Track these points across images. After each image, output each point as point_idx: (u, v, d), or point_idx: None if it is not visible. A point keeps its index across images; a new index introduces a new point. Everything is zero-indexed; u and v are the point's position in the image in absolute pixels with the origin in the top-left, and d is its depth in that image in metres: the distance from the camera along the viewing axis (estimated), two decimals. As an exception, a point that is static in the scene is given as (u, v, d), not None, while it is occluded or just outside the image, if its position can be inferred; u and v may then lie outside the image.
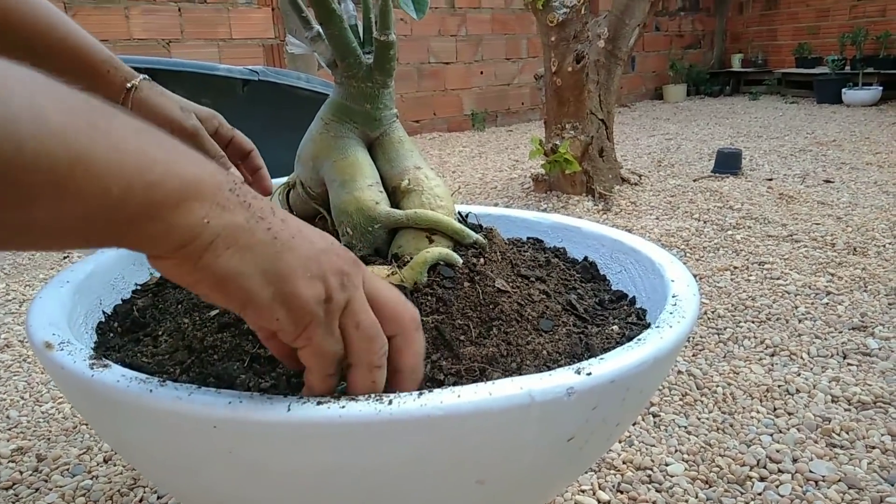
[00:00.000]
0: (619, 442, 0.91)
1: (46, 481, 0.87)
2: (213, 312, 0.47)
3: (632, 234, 1.81)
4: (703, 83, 6.12)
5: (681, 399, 1.02)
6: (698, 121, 4.47)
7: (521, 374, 0.38)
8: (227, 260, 0.29)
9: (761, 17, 6.18)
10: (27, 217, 0.25)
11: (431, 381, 0.40)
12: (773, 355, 1.15)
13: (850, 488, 0.80)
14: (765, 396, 1.02)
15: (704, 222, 1.98)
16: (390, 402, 0.32)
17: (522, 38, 4.94)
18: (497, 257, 0.50)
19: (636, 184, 2.51)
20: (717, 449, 0.89)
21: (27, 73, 0.25)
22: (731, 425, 0.94)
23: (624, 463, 0.86)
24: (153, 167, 0.27)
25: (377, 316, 0.34)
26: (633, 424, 0.95)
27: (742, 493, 0.80)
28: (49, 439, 0.96)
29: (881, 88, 4.70)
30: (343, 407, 0.32)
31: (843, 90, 4.82)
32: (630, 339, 0.41)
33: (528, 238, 0.66)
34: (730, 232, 1.87)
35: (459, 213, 0.57)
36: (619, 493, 0.81)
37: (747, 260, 1.63)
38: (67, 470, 0.89)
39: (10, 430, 0.99)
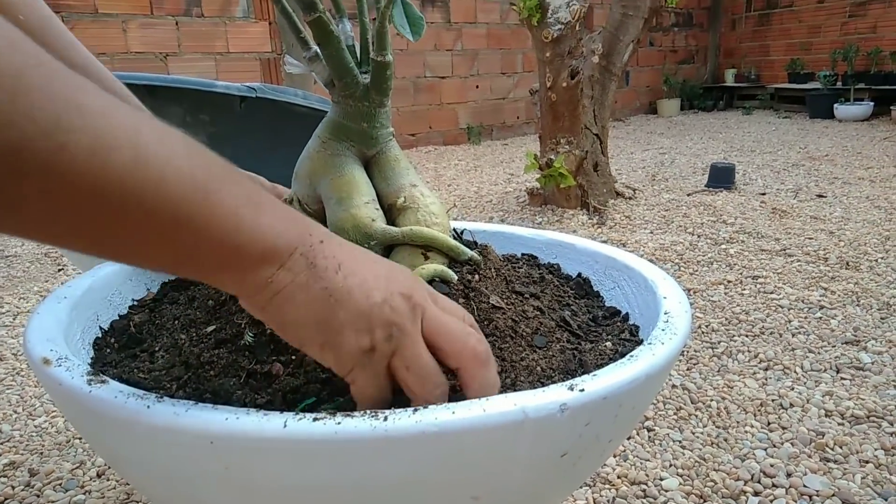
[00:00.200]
0: (614, 456, 0.91)
1: (39, 496, 0.86)
2: (210, 328, 0.47)
3: (626, 247, 1.81)
4: (697, 98, 6.17)
5: (675, 413, 1.02)
6: (692, 135, 4.51)
7: (515, 390, 0.38)
8: (286, 312, 0.34)
9: (754, 32, 6.25)
10: (119, 246, 0.30)
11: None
12: (766, 369, 1.16)
13: (844, 503, 0.80)
14: (759, 411, 1.02)
15: (698, 236, 1.99)
16: (385, 419, 0.32)
17: (518, 53, 4.99)
18: (492, 274, 0.51)
19: (630, 198, 2.53)
20: (712, 463, 0.89)
21: (166, 129, 0.30)
22: (726, 440, 0.95)
23: (619, 477, 0.87)
24: (241, 230, 0.31)
25: (441, 350, 0.37)
26: (628, 439, 0.95)
27: (736, 508, 0.81)
28: (42, 454, 0.96)
29: (872, 104, 4.75)
30: (339, 423, 0.32)
31: (835, 105, 4.87)
32: (623, 355, 0.42)
33: (523, 254, 0.67)
34: (723, 246, 1.88)
35: (454, 229, 0.58)
36: (613, 508, 0.82)
37: (741, 274, 1.64)
38: (60, 485, 0.88)
39: (2, 444, 0.99)
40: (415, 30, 0.45)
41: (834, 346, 1.23)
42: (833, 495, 0.82)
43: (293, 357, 0.42)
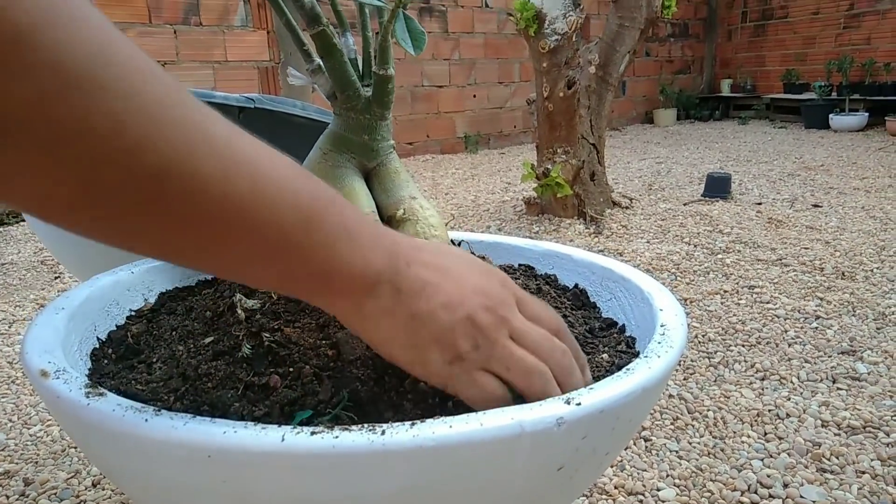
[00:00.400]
0: (611, 467, 0.91)
1: (34, 507, 0.86)
2: (208, 340, 0.47)
3: (623, 257, 1.82)
4: (693, 108, 6.21)
5: (672, 423, 1.02)
6: (688, 145, 4.53)
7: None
8: (374, 333, 0.37)
9: (750, 43, 6.30)
10: (229, 264, 0.32)
11: (439, 408, 0.40)
12: (763, 379, 1.16)
13: (839, 514, 0.80)
14: (755, 421, 1.02)
15: (695, 246, 2.00)
16: (383, 433, 0.33)
17: (515, 63, 5.01)
18: (489, 285, 0.51)
19: (627, 207, 2.53)
20: (709, 474, 0.89)
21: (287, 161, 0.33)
22: (722, 450, 0.95)
23: (616, 488, 0.87)
24: (334, 260, 0.33)
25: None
26: (625, 449, 0.95)
27: (733, 520, 0.81)
28: (37, 463, 0.95)
29: (867, 115, 4.79)
30: (336, 437, 0.33)
31: (831, 116, 4.91)
32: (620, 367, 0.42)
33: (520, 265, 0.67)
34: (720, 256, 1.89)
35: (452, 240, 0.58)
36: (610, 520, 0.81)
37: (737, 284, 1.65)
38: (55, 494, 0.88)
39: (-3, 454, 0.98)
40: (416, 44, 0.45)
41: (830, 357, 1.24)
42: (829, 506, 0.82)
43: (290, 369, 0.42)
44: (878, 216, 2.28)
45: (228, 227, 0.30)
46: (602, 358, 0.48)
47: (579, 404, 0.35)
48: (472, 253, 0.57)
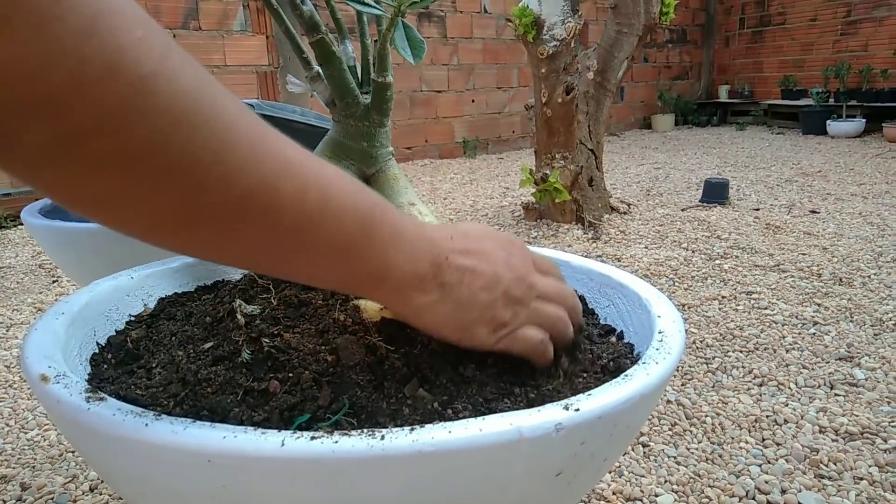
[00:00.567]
0: (609, 472, 0.91)
1: (31, 512, 0.85)
2: (207, 345, 0.47)
3: (621, 262, 1.82)
4: (691, 113, 6.23)
5: (670, 429, 1.03)
6: (686, 150, 4.55)
7: (511, 409, 0.38)
8: (424, 320, 0.41)
9: (747, 49, 6.32)
10: (297, 269, 0.36)
11: (438, 414, 0.41)
12: (761, 385, 1.16)
13: (837, 520, 0.80)
14: (753, 427, 1.03)
15: (692, 252, 2.00)
16: (382, 438, 0.33)
17: (513, 68, 5.03)
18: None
19: (625, 213, 2.54)
20: (707, 479, 0.89)
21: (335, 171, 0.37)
22: (721, 455, 0.95)
23: (614, 494, 0.87)
24: (387, 263, 0.37)
25: None
26: (623, 455, 0.95)
27: (731, 526, 0.81)
28: (34, 467, 0.95)
29: (864, 121, 4.80)
30: (336, 442, 0.33)
31: (828, 122, 4.92)
32: (618, 374, 0.42)
33: (519, 270, 0.67)
34: (717, 261, 1.89)
35: (451, 246, 0.58)
36: (608, 525, 0.81)
37: (735, 289, 1.65)
38: (52, 499, 0.88)
39: (-6, 458, 0.98)
40: (416, 53, 0.45)
41: (828, 363, 1.24)
42: (827, 512, 0.82)
43: (290, 375, 0.43)
44: (876, 222, 2.29)
45: (303, 237, 0.34)
46: (600, 364, 0.49)
47: (578, 410, 0.36)
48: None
